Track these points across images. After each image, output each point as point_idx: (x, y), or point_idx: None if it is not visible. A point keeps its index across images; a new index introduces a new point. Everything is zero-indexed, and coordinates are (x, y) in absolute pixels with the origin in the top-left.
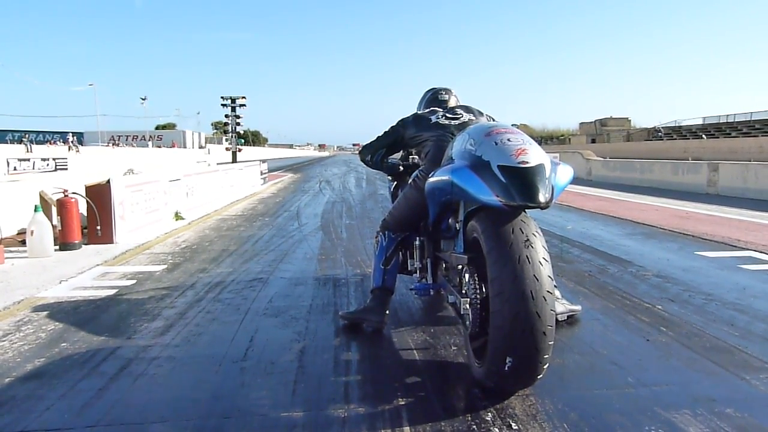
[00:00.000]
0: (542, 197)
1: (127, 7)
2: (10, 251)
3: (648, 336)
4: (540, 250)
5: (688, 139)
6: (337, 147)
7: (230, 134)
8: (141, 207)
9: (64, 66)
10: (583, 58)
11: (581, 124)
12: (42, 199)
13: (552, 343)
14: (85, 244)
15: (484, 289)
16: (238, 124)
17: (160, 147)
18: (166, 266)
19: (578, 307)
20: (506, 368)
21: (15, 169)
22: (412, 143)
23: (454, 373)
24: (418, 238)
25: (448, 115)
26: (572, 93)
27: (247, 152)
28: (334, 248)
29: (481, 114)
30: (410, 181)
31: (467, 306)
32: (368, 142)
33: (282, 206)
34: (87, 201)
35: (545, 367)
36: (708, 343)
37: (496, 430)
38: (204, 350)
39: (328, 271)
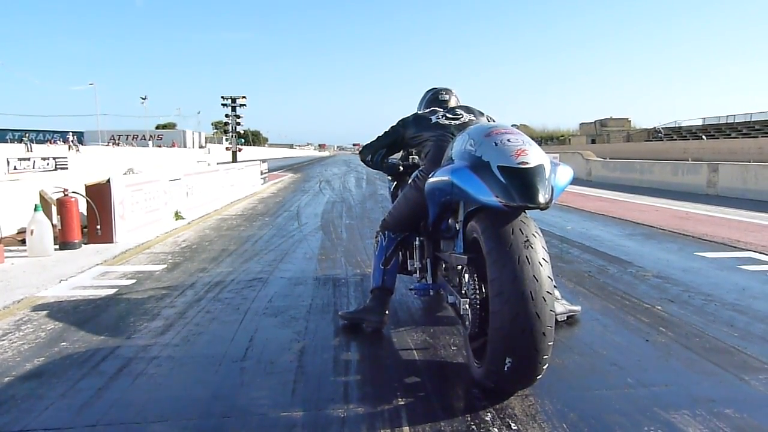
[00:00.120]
0: (542, 198)
1: (127, 7)
2: (10, 250)
3: (647, 336)
4: (540, 251)
5: (688, 139)
6: (338, 147)
7: (230, 134)
8: (141, 206)
9: (64, 65)
10: (583, 59)
11: (581, 124)
12: (42, 198)
13: (551, 343)
14: (85, 244)
15: (483, 290)
16: (238, 123)
17: (160, 146)
18: (165, 266)
19: (578, 308)
20: (506, 369)
21: (15, 168)
22: (412, 143)
23: (454, 374)
24: (417, 238)
25: (448, 115)
26: (572, 93)
27: (248, 152)
28: (333, 248)
29: (482, 114)
30: (410, 181)
31: (467, 306)
32: (368, 142)
33: (282, 206)
34: (87, 200)
35: (545, 367)
36: (707, 343)
37: (496, 430)
38: (204, 350)
39: (327, 271)
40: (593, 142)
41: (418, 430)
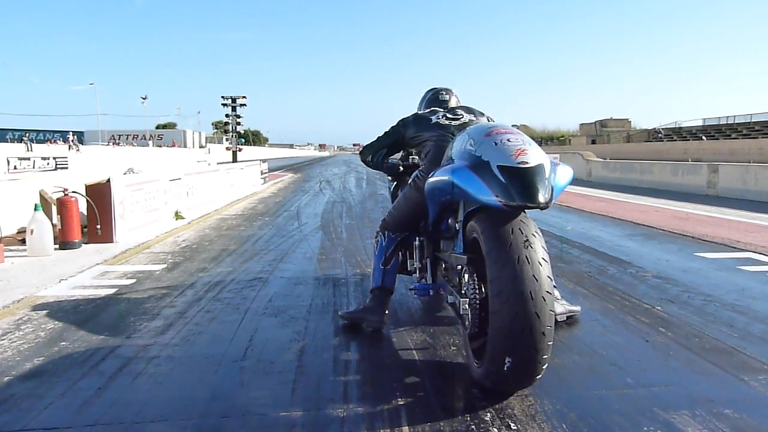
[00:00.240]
0: (542, 197)
1: (127, 7)
2: (10, 250)
3: (647, 337)
4: (539, 251)
5: (688, 140)
6: (338, 147)
7: (230, 134)
8: (141, 206)
9: (64, 65)
10: (583, 59)
11: (581, 125)
12: (42, 198)
13: (551, 343)
14: (85, 243)
15: (483, 290)
16: (238, 123)
17: (160, 146)
18: (165, 265)
19: (578, 308)
20: (505, 368)
21: (15, 168)
22: (412, 143)
23: (454, 374)
24: (417, 238)
25: (448, 115)
26: (572, 94)
27: (248, 152)
28: (333, 248)
29: (482, 114)
30: (410, 181)
31: (466, 306)
32: (369, 142)
33: (282, 206)
34: (87, 200)
35: (544, 367)
36: (707, 344)
37: (495, 430)
38: (203, 349)
39: (327, 271)
40: (593, 142)
41: (417, 430)
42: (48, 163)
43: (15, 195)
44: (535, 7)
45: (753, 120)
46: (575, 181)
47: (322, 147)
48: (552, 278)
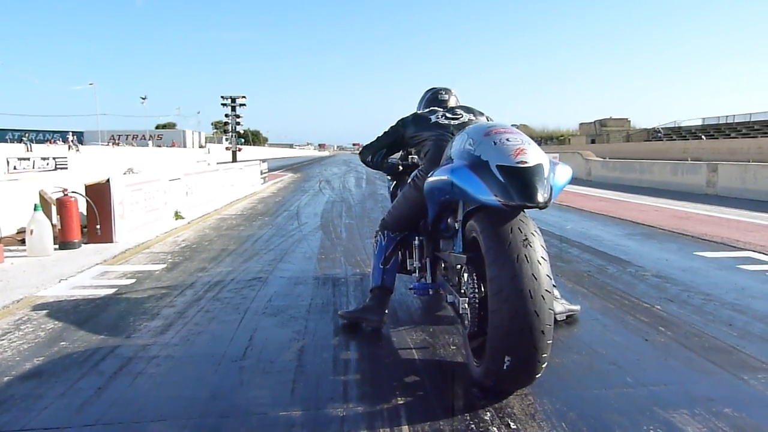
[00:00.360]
0: (541, 197)
1: (127, 6)
2: (10, 250)
3: (647, 336)
4: (538, 249)
5: (688, 139)
6: (337, 147)
7: (230, 134)
8: (141, 206)
9: (64, 65)
10: (582, 59)
11: (581, 124)
12: (42, 198)
13: (551, 342)
14: (85, 243)
15: (482, 289)
16: (238, 123)
17: (160, 146)
18: (165, 265)
19: (577, 307)
20: (505, 367)
21: (15, 168)
22: (411, 143)
23: (453, 373)
24: (417, 237)
25: (447, 115)
26: (572, 93)
27: (247, 152)
28: (333, 248)
29: (482, 114)
30: (409, 180)
31: (466, 305)
32: (368, 142)
33: (282, 206)
34: (87, 200)
35: (544, 366)
36: (706, 343)
37: (495, 429)
38: (203, 349)
39: (327, 271)
40: (593, 142)
41: (417, 430)
42: (48, 164)
43: (15, 195)
44: (535, 7)
45: (752, 119)
46: (575, 181)
47: (321, 147)
48: (551, 277)
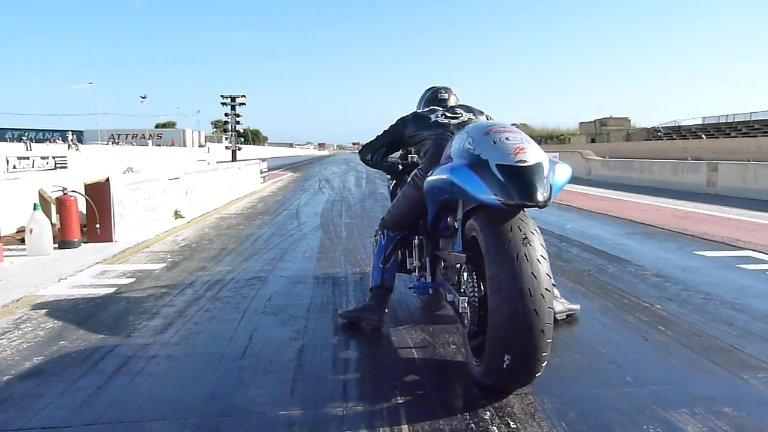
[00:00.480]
0: (540, 196)
1: (127, 6)
2: (9, 249)
3: (647, 335)
4: (538, 248)
5: (688, 139)
6: (337, 146)
7: (230, 133)
8: (140, 205)
9: (64, 64)
10: (583, 58)
11: (581, 123)
12: (41, 197)
13: (550, 340)
14: (85, 243)
15: (482, 288)
16: (237, 122)
17: (159, 145)
18: (165, 264)
19: (577, 306)
20: (504, 366)
21: (14, 167)
22: (411, 142)
23: (453, 372)
24: (417, 236)
25: (447, 114)
26: (572, 93)
27: (247, 151)
28: (333, 247)
29: (481, 113)
30: (409, 179)
31: (465, 304)
32: (368, 141)
33: (281, 205)
34: (86, 199)
35: (544, 365)
36: (706, 342)
37: (495, 428)
38: (203, 348)
39: (327, 270)
40: (593, 141)
41: (417, 429)
42: (47, 163)
43: (14, 194)
44: (534, 6)
45: (752, 119)
46: (575, 180)
47: (321, 146)
48: (551, 275)
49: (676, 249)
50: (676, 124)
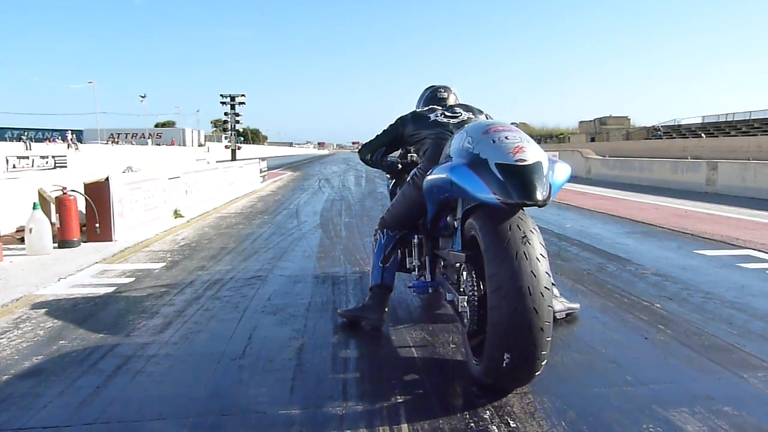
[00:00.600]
0: (539, 195)
1: (127, 5)
2: (9, 249)
3: (646, 334)
4: (537, 247)
5: (688, 138)
6: (337, 145)
7: (229, 132)
8: (140, 205)
9: (63, 64)
10: (582, 57)
11: (581, 122)
12: (41, 196)
13: (550, 339)
14: (84, 242)
15: (481, 287)
16: (237, 122)
17: (159, 145)
18: (164, 264)
19: (577, 305)
20: (504, 365)
21: (14, 166)
22: (410, 141)
23: (453, 371)
24: (416, 235)
25: (447, 113)
26: (572, 92)
27: (247, 150)
28: (333, 246)
29: (481, 112)
30: (408, 179)
31: (465, 304)
32: (368, 140)
33: (281, 204)
34: (86, 199)
35: (543, 363)
36: (706, 341)
37: (494, 428)
38: (202, 348)
39: (327, 269)
40: (593, 140)
41: (416, 428)
42: (47, 162)
43: (14, 194)
44: (534, 5)
45: (752, 117)
46: (574, 179)
47: (321, 145)
48: (550, 274)
49: (675, 248)
50: (676, 123)
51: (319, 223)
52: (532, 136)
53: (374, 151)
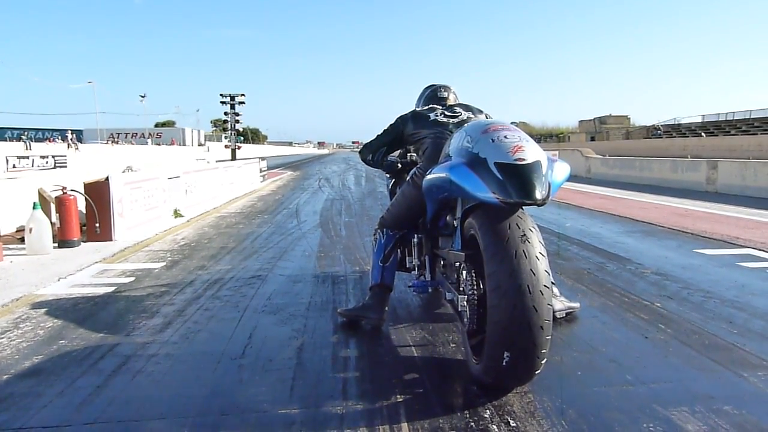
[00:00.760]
0: (539, 194)
1: (126, 5)
2: (9, 248)
3: (646, 333)
4: (537, 245)
5: (688, 137)
6: (337, 144)
7: (229, 132)
8: (140, 204)
9: (63, 63)
10: (582, 56)
11: (580, 121)
12: (41, 196)
13: (549, 337)
14: (84, 242)
15: (481, 286)
16: (237, 121)
17: (159, 144)
18: (164, 263)
19: (577, 305)
20: (504, 363)
21: (14, 166)
22: (410, 140)
23: (453, 370)
24: (416, 235)
25: (446, 112)
26: (571, 91)
27: (247, 150)
28: (333, 246)
29: (480, 112)
30: (408, 178)
31: (465, 303)
32: (368, 141)
33: (281, 204)
34: (86, 198)
35: (543, 362)
36: (706, 340)
37: (494, 427)
38: (202, 347)
39: (326, 269)
40: (592, 139)
41: (416, 427)
42: (47, 162)
43: (14, 194)
44: (534, 5)
45: (752, 116)
46: (574, 178)
47: (321, 145)
48: (549, 272)
49: (675, 247)
50: (676, 122)
51: (318, 223)
52: (531, 136)
53: (375, 151)
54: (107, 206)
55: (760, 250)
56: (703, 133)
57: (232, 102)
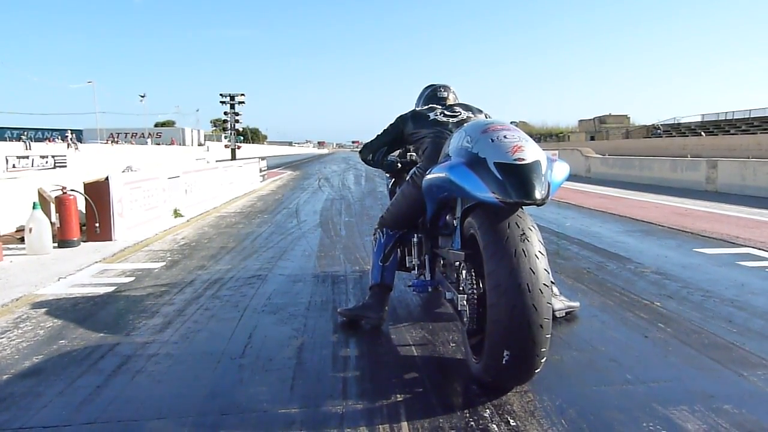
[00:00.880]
0: (538, 194)
1: (126, 5)
2: (9, 248)
3: (646, 333)
4: (536, 244)
5: (687, 136)
6: (336, 144)
7: (229, 131)
8: (140, 204)
9: (63, 63)
10: (582, 56)
11: (580, 121)
12: (40, 196)
13: (549, 336)
14: (84, 242)
15: (481, 285)
16: (237, 121)
17: (159, 144)
18: (164, 263)
19: (577, 304)
20: (503, 362)
21: (14, 166)
22: (410, 140)
23: (453, 370)
24: (416, 234)
25: (446, 112)
26: (571, 90)
27: (246, 149)
28: (332, 245)
29: (480, 112)
30: (408, 178)
31: (464, 302)
32: (368, 141)
33: (281, 203)
34: (86, 198)
35: (543, 361)
36: (706, 339)
37: (494, 426)
38: (202, 347)
39: (326, 268)
40: (592, 138)
41: (416, 427)
42: (47, 162)
43: (14, 193)
44: (534, 4)
45: (752, 116)
46: (574, 178)
47: (320, 144)
48: (549, 271)
49: (675, 246)
50: (676, 122)
51: (318, 223)
52: (531, 135)
53: (375, 151)
54: (107, 206)
55: (759, 249)
56: (702, 133)
57: (231, 102)
